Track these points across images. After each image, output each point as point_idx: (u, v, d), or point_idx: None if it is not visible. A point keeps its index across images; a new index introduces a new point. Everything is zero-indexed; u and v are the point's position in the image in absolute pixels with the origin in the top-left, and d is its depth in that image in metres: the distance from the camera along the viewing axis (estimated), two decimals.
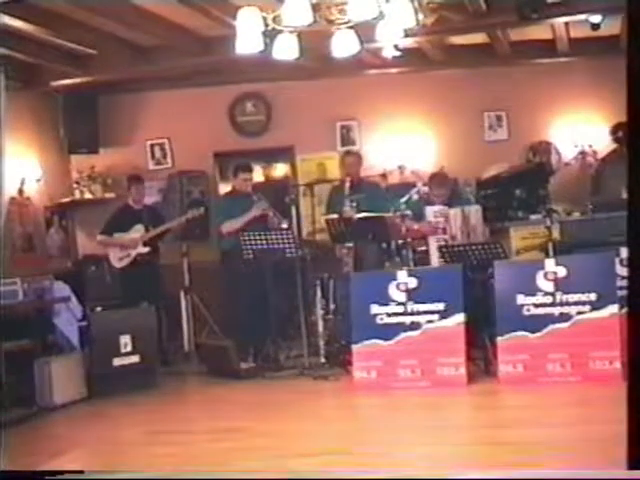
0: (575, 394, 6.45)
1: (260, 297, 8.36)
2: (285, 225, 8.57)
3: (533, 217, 9.23)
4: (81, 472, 4.86)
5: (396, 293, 7.30)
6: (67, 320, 8.48)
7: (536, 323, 6.92)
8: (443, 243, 8.04)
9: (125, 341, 8.02)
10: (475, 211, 8.40)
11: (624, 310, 6.73)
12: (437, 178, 8.80)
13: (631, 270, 3.51)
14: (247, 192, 8.83)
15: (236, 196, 8.95)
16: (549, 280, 6.97)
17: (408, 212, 8.05)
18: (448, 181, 8.80)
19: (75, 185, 11.10)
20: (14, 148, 9.36)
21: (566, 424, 5.68)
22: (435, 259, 8.10)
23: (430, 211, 8.34)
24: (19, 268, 8.79)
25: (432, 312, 7.17)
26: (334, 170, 9.55)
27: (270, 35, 6.20)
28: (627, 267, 4.31)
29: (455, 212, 8.25)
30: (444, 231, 8.20)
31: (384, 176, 9.64)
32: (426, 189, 8.60)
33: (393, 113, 10.93)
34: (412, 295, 7.26)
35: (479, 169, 10.30)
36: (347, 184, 8.63)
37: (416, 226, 8.31)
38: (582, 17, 9.08)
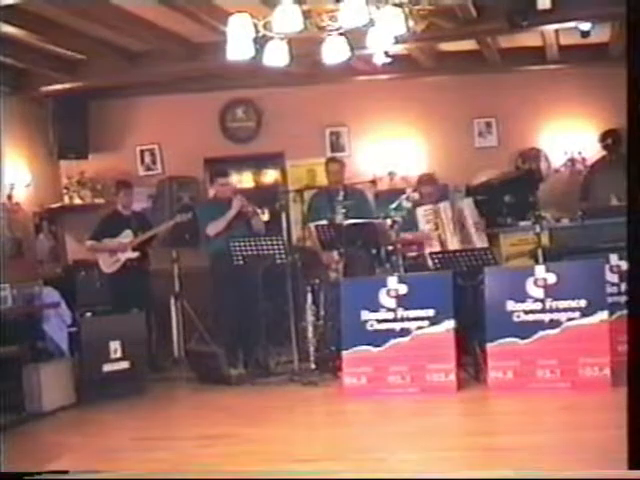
0: (565, 400, 6.45)
1: (250, 303, 8.35)
2: (266, 217, 8.61)
3: (522, 223, 9.26)
4: (65, 472, 4.85)
5: (386, 299, 7.30)
6: (56, 326, 8.45)
7: (526, 329, 6.92)
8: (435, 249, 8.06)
9: (115, 347, 8.01)
10: (467, 205, 8.44)
11: (614, 317, 6.76)
12: (425, 177, 8.87)
13: (630, 275, 3.52)
14: (228, 197, 8.83)
15: (216, 202, 8.94)
16: (539, 287, 6.97)
17: (398, 218, 8.05)
18: (436, 181, 8.83)
19: (64, 190, 11.09)
20: (3, 153, 9.36)
21: (556, 430, 5.69)
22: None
23: (420, 211, 8.35)
24: (8, 274, 8.75)
25: (422, 318, 7.17)
26: (324, 176, 9.55)
27: (260, 41, 6.21)
28: (627, 272, 4.33)
29: (444, 206, 8.30)
30: (439, 238, 8.22)
31: (374, 182, 9.63)
32: (416, 195, 8.61)
33: (383, 119, 10.95)
34: (402, 301, 7.26)
35: (469, 175, 10.32)
36: (341, 191, 8.63)
37: (410, 236, 8.32)
38: (572, 25, 9.11)
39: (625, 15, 3.41)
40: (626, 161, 3.42)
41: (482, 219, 8.55)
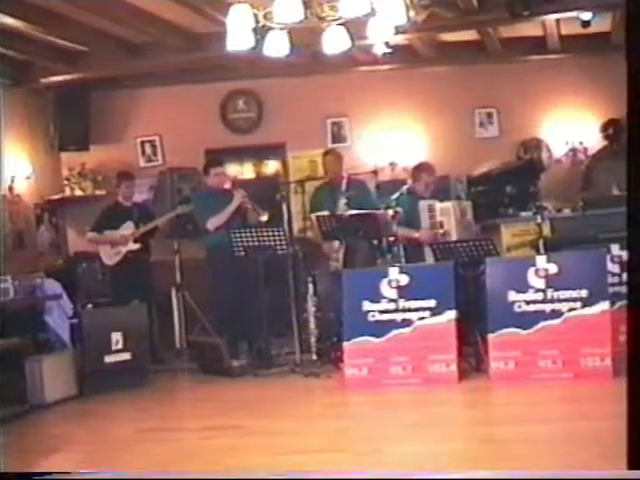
0: (566, 391, 6.46)
1: (251, 294, 8.35)
2: (265, 218, 8.59)
3: (524, 214, 9.25)
4: (67, 473, 4.85)
5: (388, 290, 7.30)
6: (58, 317, 8.46)
7: (527, 320, 6.92)
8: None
9: (116, 338, 8.01)
10: (468, 207, 8.44)
11: (615, 307, 6.76)
12: (424, 166, 8.79)
13: (630, 266, 3.51)
14: (224, 188, 8.81)
15: (211, 192, 8.91)
16: (540, 277, 6.97)
17: (399, 209, 8.03)
18: (434, 170, 8.75)
19: (65, 182, 11.10)
20: (4, 145, 9.36)
21: (557, 420, 5.69)
22: (429, 256, 8.08)
23: (424, 205, 8.31)
24: (10, 266, 8.76)
25: (423, 309, 7.17)
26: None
27: (261, 32, 6.21)
28: (626, 263, 4.33)
29: (453, 205, 8.26)
30: (443, 236, 8.19)
31: (375, 173, 9.61)
32: (417, 186, 8.58)
33: (384, 110, 10.94)
34: (403, 292, 7.26)
35: (470, 166, 10.32)
36: (344, 182, 8.61)
37: (416, 234, 8.28)
38: (573, 14, 9.11)
39: (625, 4, 3.40)
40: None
41: (477, 225, 8.58)
